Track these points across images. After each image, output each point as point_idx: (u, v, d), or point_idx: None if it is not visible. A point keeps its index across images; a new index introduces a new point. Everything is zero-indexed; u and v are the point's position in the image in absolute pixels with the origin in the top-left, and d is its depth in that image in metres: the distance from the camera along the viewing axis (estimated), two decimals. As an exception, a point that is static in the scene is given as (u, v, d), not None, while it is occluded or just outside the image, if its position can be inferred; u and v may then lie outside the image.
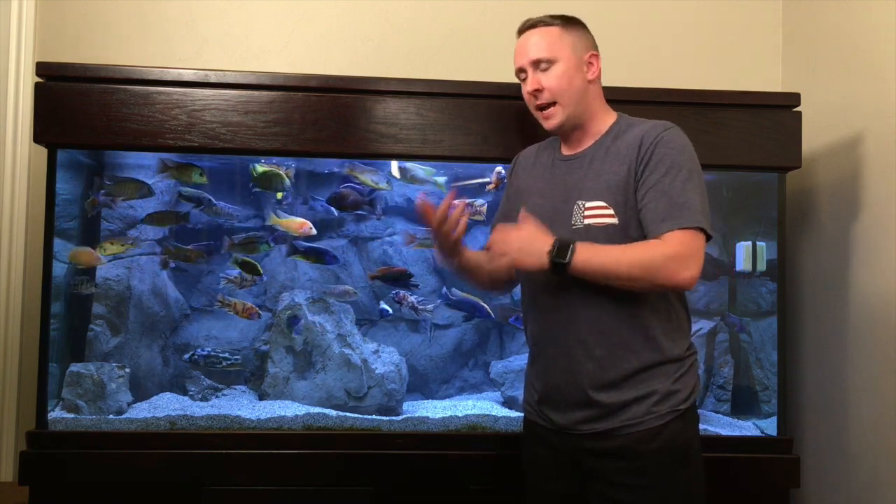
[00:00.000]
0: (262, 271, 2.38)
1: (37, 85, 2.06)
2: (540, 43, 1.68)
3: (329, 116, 2.10)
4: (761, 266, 2.37)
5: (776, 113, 2.19)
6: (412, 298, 2.40)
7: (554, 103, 1.67)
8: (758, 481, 2.17)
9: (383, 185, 2.37)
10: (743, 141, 2.14)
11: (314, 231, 2.35)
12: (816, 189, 2.44)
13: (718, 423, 2.33)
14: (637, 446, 1.58)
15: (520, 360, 2.45)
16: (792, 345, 2.46)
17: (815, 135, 2.39)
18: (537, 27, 1.70)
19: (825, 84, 2.42)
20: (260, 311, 2.32)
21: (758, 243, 2.36)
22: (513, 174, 1.87)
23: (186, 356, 2.35)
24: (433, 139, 2.12)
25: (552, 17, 1.70)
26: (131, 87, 2.06)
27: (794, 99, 2.21)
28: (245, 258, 2.36)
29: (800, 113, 2.20)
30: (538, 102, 1.69)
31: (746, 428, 2.33)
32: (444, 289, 2.46)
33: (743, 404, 2.45)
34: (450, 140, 2.12)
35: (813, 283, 2.44)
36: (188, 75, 2.09)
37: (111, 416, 2.19)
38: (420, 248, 2.47)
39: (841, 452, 2.28)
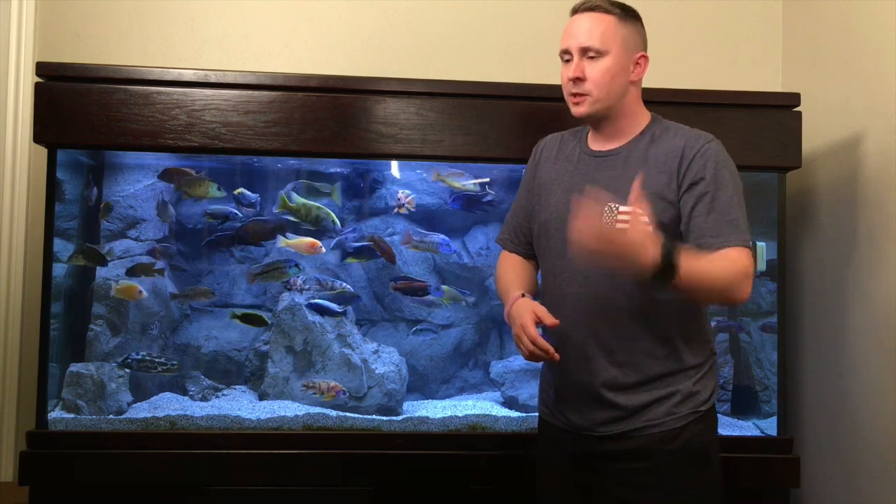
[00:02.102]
0: (268, 321, 2.37)
1: (37, 85, 2.06)
2: (593, 30, 1.59)
3: (329, 116, 2.10)
4: (761, 266, 2.36)
5: (776, 113, 2.19)
6: (299, 281, 2.39)
7: (589, 94, 1.61)
8: (758, 481, 2.17)
9: (470, 185, 2.36)
10: (743, 141, 2.14)
11: (324, 249, 2.35)
12: (816, 189, 2.44)
13: (719, 423, 2.33)
14: (655, 447, 1.56)
15: (520, 360, 2.45)
16: (792, 345, 2.46)
17: (815, 135, 2.39)
18: (594, 11, 1.61)
19: (825, 84, 2.42)
20: (345, 389, 2.30)
21: (758, 243, 2.36)
22: (535, 164, 1.79)
23: (119, 360, 2.29)
24: (433, 139, 2.12)
25: (612, 3, 1.62)
26: (131, 87, 2.06)
27: (794, 99, 2.21)
28: (247, 312, 2.37)
29: (800, 113, 2.20)
30: (574, 90, 1.62)
31: (746, 428, 2.34)
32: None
33: (743, 404, 2.45)
34: (450, 140, 2.12)
35: (813, 283, 2.44)
36: (188, 75, 2.09)
37: (111, 416, 2.19)
38: (415, 249, 2.46)
39: (841, 452, 2.28)
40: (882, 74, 2.14)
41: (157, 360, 2.28)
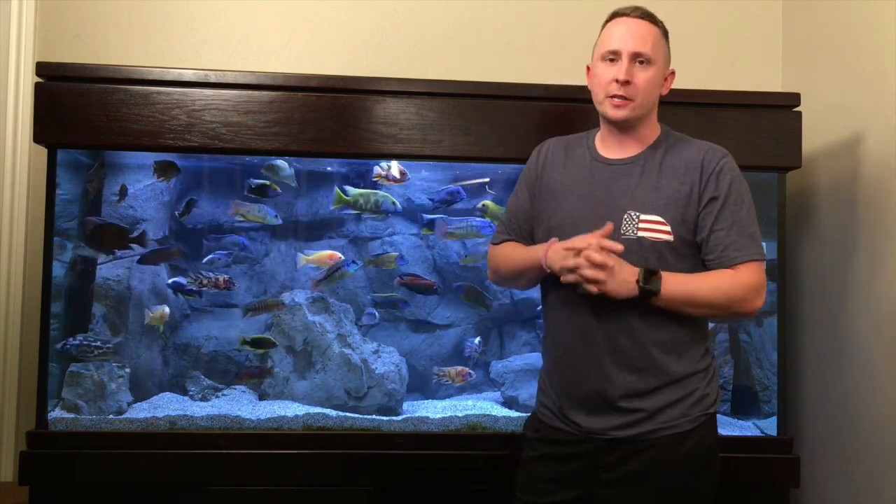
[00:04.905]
0: (276, 342, 2.36)
1: (37, 85, 2.06)
2: (647, 38, 1.62)
3: (329, 116, 2.10)
4: (761, 266, 2.36)
5: (776, 113, 2.19)
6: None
7: (631, 99, 1.61)
8: (758, 481, 2.17)
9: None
10: (743, 141, 2.14)
11: (343, 258, 2.35)
12: (816, 189, 2.44)
13: (719, 423, 2.32)
14: (665, 448, 1.58)
15: (520, 361, 2.45)
16: (792, 345, 2.46)
17: (815, 135, 2.39)
18: (645, 20, 1.63)
19: (825, 84, 2.42)
20: (472, 372, 2.36)
21: (758, 243, 2.36)
22: (538, 168, 1.76)
23: (59, 345, 2.23)
24: (433, 139, 2.12)
25: (656, 18, 1.66)
26: (131, 87, 2.06)
27: (794, 99, 2.21)
28: (256, 337, 2.37)
29: (800, 113, 2.20)
30: (619, 92, 1.61)
31: (746, 428, 2.34)
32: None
33: (743, 404, 2.45)
34: (450, 140, 2.12)
35: (813, 283, 2.44)
36: (188, 75, 2.09)
37: (111, 416, 2.19)
38: (453, 238, 2.42)
39: (841, 452, 2.28)
40: (882, 74, 2.14)
41: (93, 344, 2.25)
